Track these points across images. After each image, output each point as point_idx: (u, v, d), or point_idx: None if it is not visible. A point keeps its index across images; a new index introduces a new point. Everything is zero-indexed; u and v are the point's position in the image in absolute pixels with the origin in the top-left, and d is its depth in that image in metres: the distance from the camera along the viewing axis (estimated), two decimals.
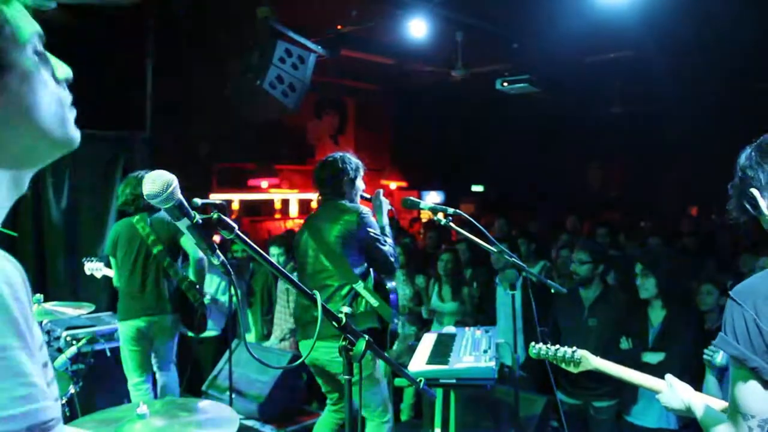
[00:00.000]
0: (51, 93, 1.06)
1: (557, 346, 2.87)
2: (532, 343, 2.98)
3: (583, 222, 9.43)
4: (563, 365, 2.81)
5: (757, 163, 1.75)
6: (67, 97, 1.10)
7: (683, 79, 9.51)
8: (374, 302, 3.99)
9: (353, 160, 4.27)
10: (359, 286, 4.00)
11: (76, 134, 1.11)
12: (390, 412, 4.17)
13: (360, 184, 4.29)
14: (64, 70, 1.11)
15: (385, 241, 4.14)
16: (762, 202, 1.74)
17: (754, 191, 1.75)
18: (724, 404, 2.20)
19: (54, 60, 1.10)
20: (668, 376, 2.45)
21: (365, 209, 4.14)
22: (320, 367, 4.15)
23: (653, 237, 7.30)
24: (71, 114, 1.10)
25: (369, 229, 4.04)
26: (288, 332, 6.12)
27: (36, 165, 1.09)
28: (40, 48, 1.07)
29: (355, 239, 4.03)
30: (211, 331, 6.11)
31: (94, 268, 5.53)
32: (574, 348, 2.80)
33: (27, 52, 1.03)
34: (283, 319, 6.19)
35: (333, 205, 4.18)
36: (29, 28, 1.04)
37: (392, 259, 4.15)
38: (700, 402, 2.25)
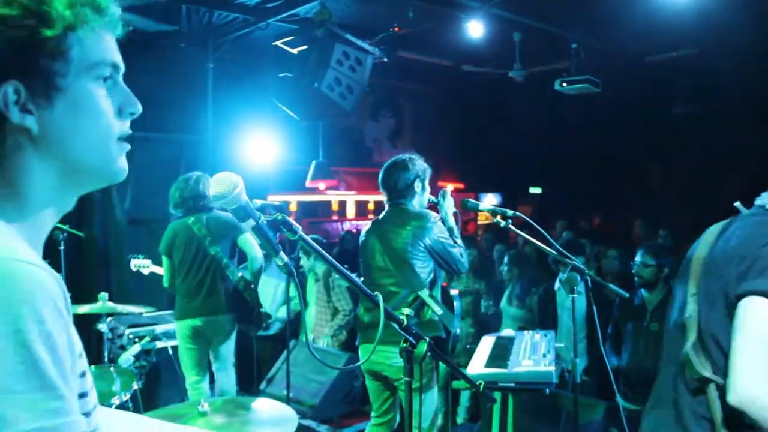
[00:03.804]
0: (102, 125, 1.03)
1: None
2: None
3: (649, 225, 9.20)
4: None
5: None
6: (124, 132, 1.06)
7: (747, 77, 9.23)
8: (439, 310, 3.89)
9: (420, 162, 4.17)
10: (424, 294, 3.89)
11: (120, 169, 1.07)
12: (436, 425, 4.05)
13: (427, 187, 4.19)
14: (132, 106, 1.08)
15: (455, 243, 4.03)
16: None
17: None
18: None
19: (126, 93, 1.07)
20: None
21: (434, 215, 4.05)
22: (377, 372, 4.07)
23: None
24: (121, 148, 1.06)
25: (438, 235, 3.95)
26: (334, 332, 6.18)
27: (78, 191, 1.07)
28: (107, 76, 1.04)
29: (423, 245, 3.94)
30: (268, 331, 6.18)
31: (140, 264, 5.52)
32: None
33: (87, 77, 1.00)
34: (323, 320, 6.26)
35: (401, 210, 4.09)
36: (99, 55, 1.02)
37: (462, 259, 4.03)
38: None
